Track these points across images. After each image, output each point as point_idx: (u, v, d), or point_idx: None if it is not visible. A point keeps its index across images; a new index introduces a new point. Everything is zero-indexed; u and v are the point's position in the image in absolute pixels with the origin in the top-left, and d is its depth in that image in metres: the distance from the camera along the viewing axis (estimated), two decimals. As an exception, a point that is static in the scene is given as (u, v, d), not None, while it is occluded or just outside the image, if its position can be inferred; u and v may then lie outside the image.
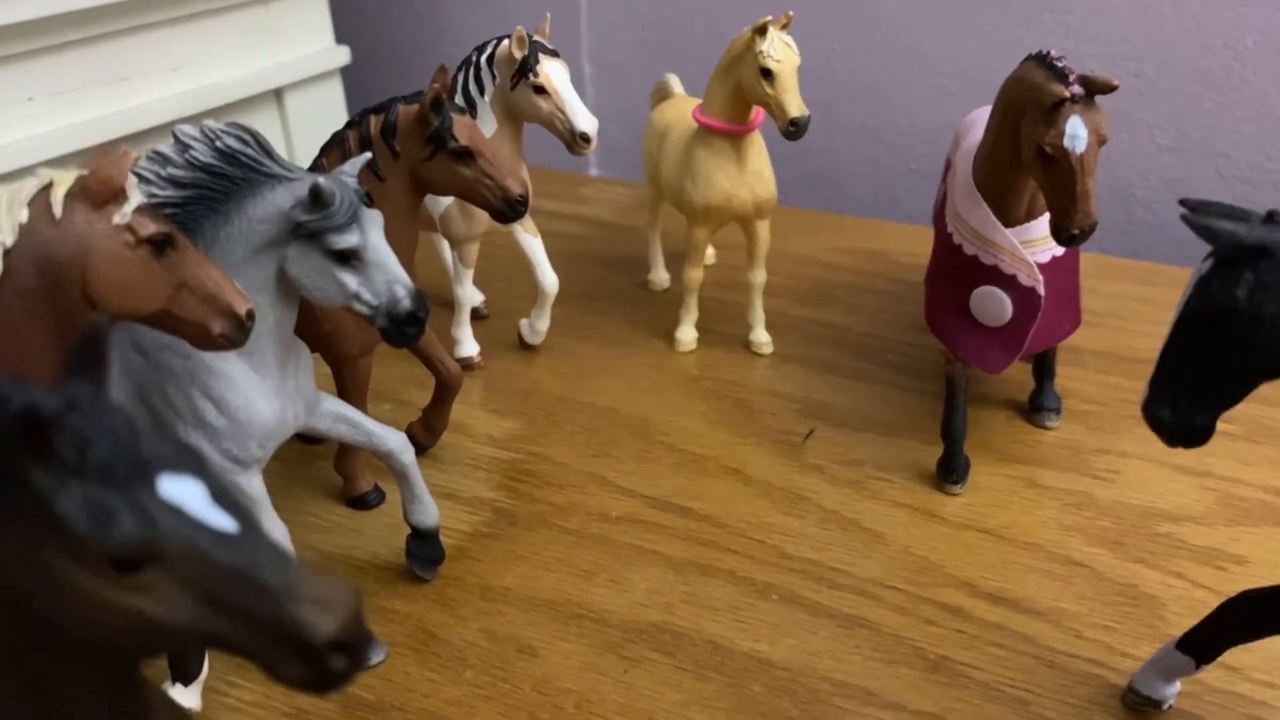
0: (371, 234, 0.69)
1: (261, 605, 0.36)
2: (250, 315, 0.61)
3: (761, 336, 1.18)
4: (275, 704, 0.75)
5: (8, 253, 0.53)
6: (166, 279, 0.57)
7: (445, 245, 1.22)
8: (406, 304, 0.69)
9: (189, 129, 0.68)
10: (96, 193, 0.54)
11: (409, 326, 0.70)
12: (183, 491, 0.37)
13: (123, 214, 0.55)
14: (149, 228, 0.56)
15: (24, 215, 0.54)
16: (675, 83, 1.28)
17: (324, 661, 0.37)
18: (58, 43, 1.07)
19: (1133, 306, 1.23)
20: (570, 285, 1.23)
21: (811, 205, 1.62)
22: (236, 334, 0.61)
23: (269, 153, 0.70)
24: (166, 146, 0.68)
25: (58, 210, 0.54)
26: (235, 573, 0.37)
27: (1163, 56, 1.37)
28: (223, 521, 0.37)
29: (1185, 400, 0.57)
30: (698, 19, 1.63)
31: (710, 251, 1.36)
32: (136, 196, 0.56)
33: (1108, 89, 0.80)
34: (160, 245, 0.56)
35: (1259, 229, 0.53)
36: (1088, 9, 1.39)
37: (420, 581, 0.86)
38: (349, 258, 0.69)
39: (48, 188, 0.55)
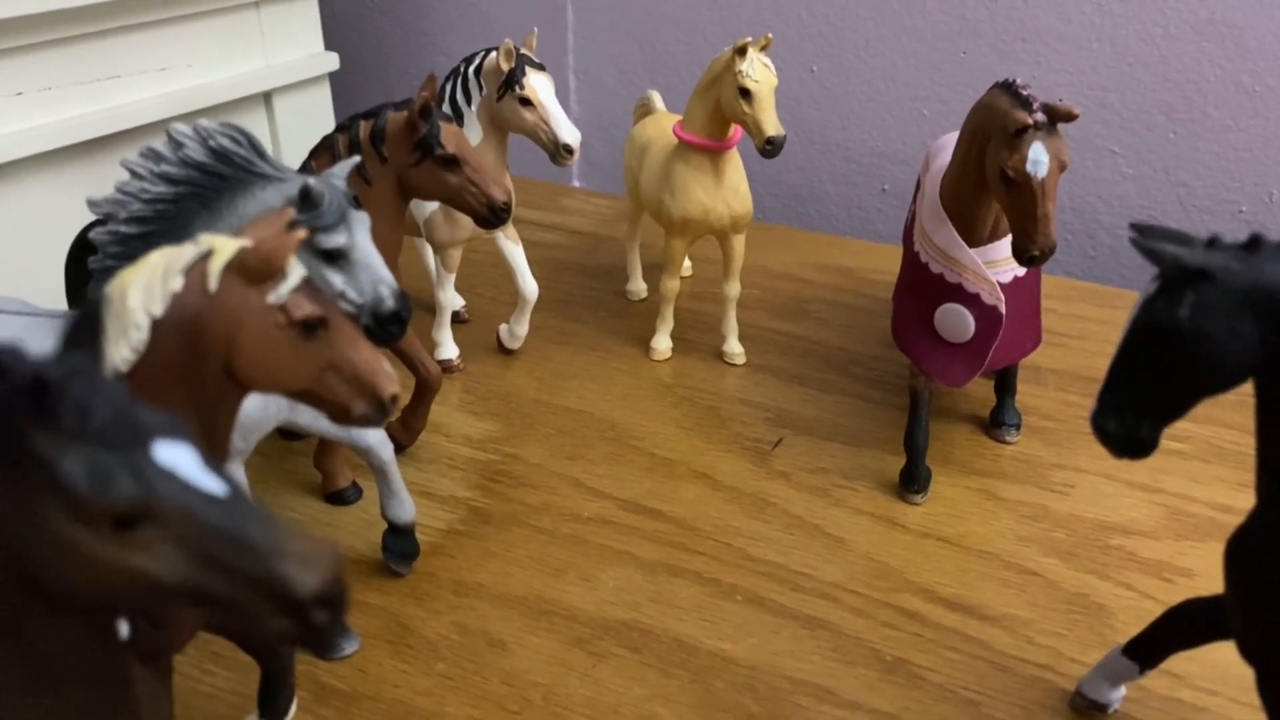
0: (358, 235, 0.71)
1: (249, 562, 0.39)
2: (394, 398, 0.56)
3: (734, 347, 1.20)
4: (249, 690, 0.75)
5: (156, 323, 0.50)
6: (314, 359, 0.53)
7: (429, 250, 1.24)
8: (390, 304, 0.71)
9: (183, 128, 0.70)
10: (256, 270, 0.51)
11: (392, 325, 0.72)
12: (176, 457, 0.39)
13: (278, 294, 0.51)
14: (303, 309, 0.51)
15: (178, 284, 0.50)
16: (657, 99, 1.31)
17: (308, 615, 0.39)
18: (48, 39, 1.07)
19: (1093, 328, 1.26)
20: (550, 293, 1.25)
21: (786, 221, 1.66)
22: (378, 416, 0.56)
23: (261, 153, 0.71)
24: (160, 144, 0.70)
25: (213, 283, 0.51)
26: (225, 532, 0.39)
27: (1128, 88, 1.41)
28: (213, 485, 0.39)
29: (1131, 413, 0.60)
30: (680, 38, 1.66)
31: (687, 264, 1.39)
32: (297, 274, 0.52)
33: (1069, 118, 0.83)
34: (311, 327, 0.52)
35: (1201, 253, 0.56)
36: (1057, 40, 1.43)
37: (395, 576, 0.87)
38: (336, 257, 0.70)
39: (206, 256, 0.51)
